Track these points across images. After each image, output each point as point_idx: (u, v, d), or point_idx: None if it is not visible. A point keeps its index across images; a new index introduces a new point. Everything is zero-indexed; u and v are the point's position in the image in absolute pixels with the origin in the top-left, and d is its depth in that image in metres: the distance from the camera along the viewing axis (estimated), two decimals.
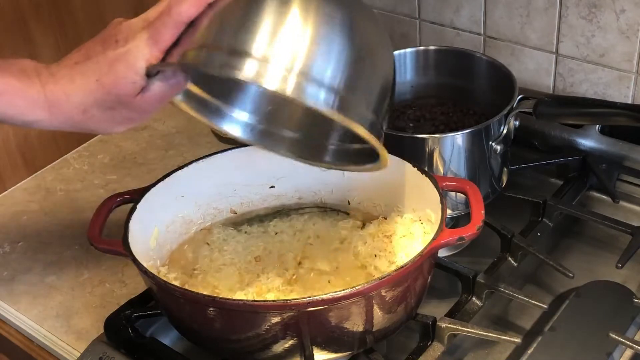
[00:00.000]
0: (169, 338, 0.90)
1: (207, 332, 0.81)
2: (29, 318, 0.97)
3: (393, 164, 0.89)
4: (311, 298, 0.72)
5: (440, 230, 0.78)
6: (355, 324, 0.77)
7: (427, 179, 0.86)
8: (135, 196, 0.88)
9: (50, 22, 1.19)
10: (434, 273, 0.85)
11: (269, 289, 0.84)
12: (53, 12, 1.18)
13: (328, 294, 0.72)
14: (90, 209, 0.90)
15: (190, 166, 0.92)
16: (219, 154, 0.94)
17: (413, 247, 0.86)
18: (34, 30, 1.17)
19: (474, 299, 0.91)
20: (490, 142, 0.97)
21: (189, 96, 0.80)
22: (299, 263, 0.89)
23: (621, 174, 1.07)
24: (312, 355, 0.79)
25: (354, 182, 0.95)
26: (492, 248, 0.97)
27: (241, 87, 0.83)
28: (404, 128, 1.08)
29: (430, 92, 1.12)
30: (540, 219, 1.01)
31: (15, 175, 1.20)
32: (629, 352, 0.84)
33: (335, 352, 0.81)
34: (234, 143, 1.18)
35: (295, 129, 0.85)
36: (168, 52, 0.70)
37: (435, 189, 0.84)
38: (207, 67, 0.67)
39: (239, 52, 0.65)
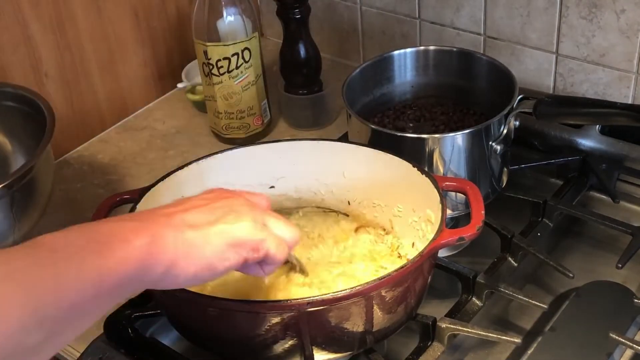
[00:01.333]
0: (169, 338, 0.90)
1: (207, 332, 0.81)
2: None
3: (393, 164, 0.90)
4: (311, 298, 0.72)
5: (440, 230, 0.78)
6: (356, 324, 0.77)
7: (427, 179, 0.86)
8: (135, 196, 0.88)
9: (50, 22, 1.19)
10: (434, 273, 0.85)
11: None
12: (53, 12, 1.18)
13: (328, 294, 0.72)
14: (90, 209, 0.90)
15: (190, 166, 0.92)
16: (219, 154, 0.94)
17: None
18: (34, 30, 1.17)
19: (474, 299, 0.91)
20: (490, 142, 0.97)
21: None
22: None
23: (621, 174, 1.07)
24: (312, 356, 0.79)
25: (354, 182, 0.95)
26: (492, 248, 0.97)
27: None
28: (404, 128, 1.08)
29: (430, 92, 1.12)
30: (540, 219, 1.01)
31: None
32: (629, 353, 0.84)
33: (335, 352, 0.80)
34: (233, 143, 1.18)
35: None
36: None
37: (435, 189, 0.84)
38: None
39: None
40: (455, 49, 1.12)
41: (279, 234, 0.70)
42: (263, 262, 0.70)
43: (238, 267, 0.68)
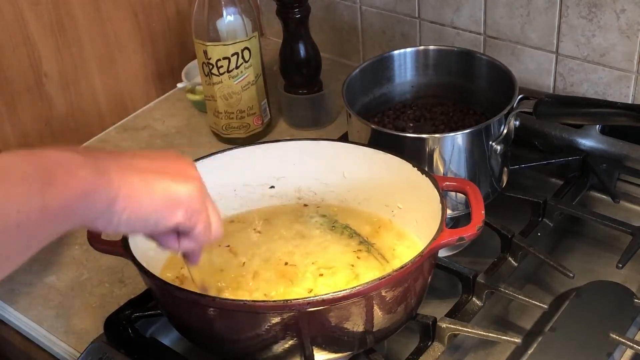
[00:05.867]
0: (169, 338, 0.90)
1: (207, 332, 0.81)
2: (28, 318, 0.97)
3: (393, 164, 0.89)
4: (311, 298, 0.72)
5: (440, 230, 0.78)
6: (356, 324, 0.77)
7: (427, 179, 0.86)
8: None
9: (50, 22, 1.19)
10: (434, 273, 0.84)
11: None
12: (53, 12, 1.18)
13: (328, 294, 0.72)
14: None
15: None
16: (219, 154, 0.94)
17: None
18: (34, 30, 1.17)
19: (474, 299, 0.91)
20: (490, 142, 0.97)
21: None
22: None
23: (621, 174, 1.07)
24: (312, 356, 0.79)
25: (354, 182, 0.95)
26: (492, 248, 0.97)
27: None
28: (404, 128, 1.08)
29: (430, 92, 1.12)
30: (540, 219, 1.01)
31: None
32: (629, 353, 0.84)
33: (336, 352, 0.80)
34: (233, 143, 1.18)
35: None
36: None
37: (435, 189, 0.84)
38: None
39: None
40: (455, 49, 1.11)
41: (211, 220, 0.69)
42: (185, 236, 0.68)
43: (167, 229, 0.66)
